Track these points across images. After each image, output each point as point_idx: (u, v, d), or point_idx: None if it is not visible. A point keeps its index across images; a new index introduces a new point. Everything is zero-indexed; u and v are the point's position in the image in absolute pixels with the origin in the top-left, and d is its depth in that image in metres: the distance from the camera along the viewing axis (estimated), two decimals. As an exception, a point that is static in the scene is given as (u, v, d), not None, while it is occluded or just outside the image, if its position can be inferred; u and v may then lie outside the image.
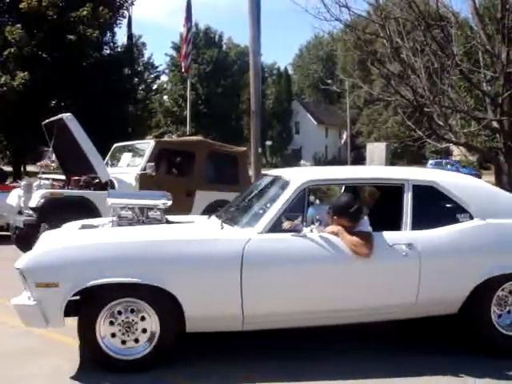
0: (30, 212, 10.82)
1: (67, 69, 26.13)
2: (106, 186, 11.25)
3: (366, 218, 5.81)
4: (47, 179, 12.18)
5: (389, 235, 5.75)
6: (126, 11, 31.77)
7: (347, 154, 64.37)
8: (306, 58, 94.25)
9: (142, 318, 5.40)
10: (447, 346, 6.26)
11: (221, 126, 52.69)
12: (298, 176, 5.98)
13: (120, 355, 5.39)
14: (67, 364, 5.60)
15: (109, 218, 6.73)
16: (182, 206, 11.76)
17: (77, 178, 11.56)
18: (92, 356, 5.48)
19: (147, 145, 12.01)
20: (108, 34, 30.88)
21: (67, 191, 11.26)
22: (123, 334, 5.39)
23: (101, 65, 28.26)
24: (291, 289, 5.57)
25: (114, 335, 5.38)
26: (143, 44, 39.52)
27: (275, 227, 5.57)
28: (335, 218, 5.76)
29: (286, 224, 5.51)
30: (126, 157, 12.47)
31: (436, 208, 6.11)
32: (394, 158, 24.53)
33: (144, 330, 5.41)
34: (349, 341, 6.36)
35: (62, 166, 13.34)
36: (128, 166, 12.03)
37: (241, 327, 5.62)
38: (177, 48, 54.98)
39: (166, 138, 33.05)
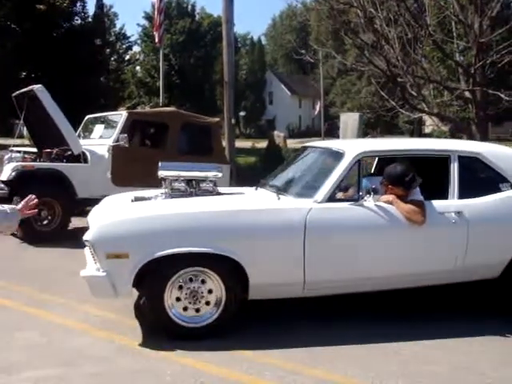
0: (2, 185, 10.70)
1: (37, 40, 25.72)
2: (79, 158, 11.16)
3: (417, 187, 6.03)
4: (18, 152, 12.04)
5: (438, 203, 6.06)
6: (96, -20, 31.29)
7: (321, 124, 64.43)
8: (280, 28, 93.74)
9: (208, 287, 5.62)
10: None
11: (194, 97, 52.32)
12: (352, 148, 6.19)
13: (188, 323, 5.61)
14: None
15: (158, 190, 6.90)
16: (156, 177, 11.74)
17: (48, 150, 11.43)
18: (160, 324, 5.66)
19: (120, 116, 11.87)
20: (78, 4, 30.40)
21: (39, 164, 11.14)
22: (190, 302, 5.59)
23: (72, 35, 27.85)
24: (349, 255, 5.87)
25: (180, 303, 5.58)
26: (115, 14, 39.05)
27: (332, 197, 5.85)
28: (390, 186, 6.02)
29: (341, 194, 5.88)
30: (99, 128, 12.33)
31: (480, 178, 6.50)
32: (367, 128, 24.58)
33: (209, 299, 5.63)
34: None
35: (33, 138, 13.19)
36: (100, 138, 11.90)
37: (301, 293, 5.89)
38: (149, 18, 54.36)
39: (138, 109, 32.80)
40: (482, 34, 12.79)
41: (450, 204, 6.10)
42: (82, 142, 11.65)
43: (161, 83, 25.63)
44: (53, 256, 9.63)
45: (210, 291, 5.63)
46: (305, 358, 5.28)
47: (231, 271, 5.60)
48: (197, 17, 66.16)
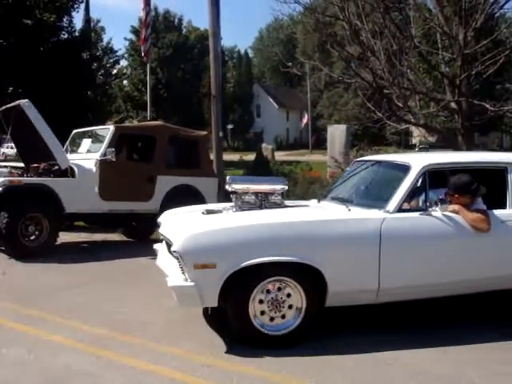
0: (-11, 200, 10.64)
1: (24, 54, 25.64)
2: (66, 172, 11.13)
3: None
4: (5, 167, 12.00)
5: (499, 212, 6.43)
6: (83, -5, 31.22)
7: (308, 136, 64.59)
8: (266, 41, 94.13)
9: (288, 295, 5.83)
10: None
11: (182, 111, 52.35)
12: (417, 161, 6.50)
13: (270, 331, 5.80)
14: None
15: (225, 204, 7.31)
16: (144, 191, 11.73)
17: (36, 165, 11.40)
18: (243, 333, 5.84)
19: (107, 130, 11.87)
20: (65, 19, 30.33)
21: (26, 179, 11.10)
22: (271, 310, 5.79)
23: (58, 50, 27.76)
24: (420, 263, 6.16)
25: (263, 312, 5.78)
26: (102, 28, 38.98)
27: (402, 207, 6.18)
28: (456, 196, 6.34)
29: (407, 204, 6.22)
30: (86, 143, 12.31)
31: None
32: (354, 140, 24.60)
33: (290, 306, 5.84)
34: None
35: (20, 153, 13.15)
36: (88, 152, 11.87)
37: (374, 300, 6.18)
38: (136, 32, 54.37)
39: (126, 123, 32.77)
40: (467, 45, 12.84)
41: (509, 213, 6.48)
42: (70, 156, 11.63)
43: (148, 97, 25.62)
44: (40, 271, 9.59)
45: (291, 300, 5.85)
46: (295, 368, 5.27)
47: (312, 279, 5.84)
48: (184, 30, 66.32)
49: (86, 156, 11.69)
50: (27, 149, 12.27)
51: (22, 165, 12.53)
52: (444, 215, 6.18)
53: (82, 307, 7.37)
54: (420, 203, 6.30)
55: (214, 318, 6.73)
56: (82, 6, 31.82)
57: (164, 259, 6.69)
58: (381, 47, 13.21)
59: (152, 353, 5.66)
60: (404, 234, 6.09)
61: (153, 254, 10.66)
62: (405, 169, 6.46)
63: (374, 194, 6.93)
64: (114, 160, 11.14)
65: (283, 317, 5.84)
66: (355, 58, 14.20)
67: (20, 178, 11.06)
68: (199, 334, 6.29)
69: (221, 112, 17.64)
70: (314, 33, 17.25)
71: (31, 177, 11.26)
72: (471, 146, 13.47)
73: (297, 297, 5.85)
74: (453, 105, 13.48)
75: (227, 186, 6.97)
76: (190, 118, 46.30)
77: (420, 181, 6.31)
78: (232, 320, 5.85)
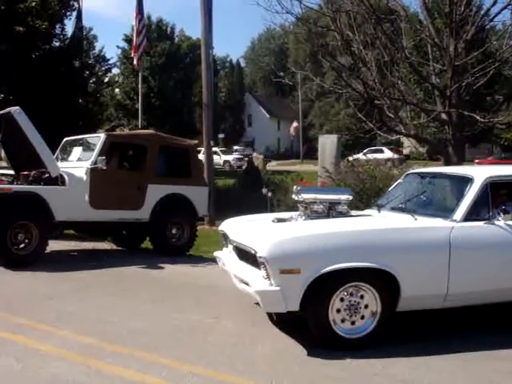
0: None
1: (16, 61, 25.56)
2: (56, 180, 11.09)
3: None
4: (-5, 174, 11.95)
5: None
6: (75, 2, 31.17)
7: (299, 146, 64.63)
8: (258, 50, 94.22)
9: (366, 301, 6.11)
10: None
11: (173, 119, 52.20)
12: (480, 173, 6.84)
13: (348, 334, 6.07)
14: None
15: (292, 212, 7.53)
16: (134, 200, 11.71)
17: (26, 172, 11.36)
18: (323, 338, 6.08)
19: (98, 138, 11.83)
20: (58, 26, 30.26)
21: (16, 186, 11.05)
22: (348, 315, 6.06)
23: (50, 57, 27.68)
24: (486, 269, 6.47)
25: (343, 320, 6.06)
26: (94, 37, 38.91)
27: (468, 217, 6.47)
28: None
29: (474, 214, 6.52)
30: (77, 151, 12.28)
31: None
32: (345, 150, 24.68)
33: (364, 314, 6.12)
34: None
35: (11, 160, 13.09)
36: (79, 161, 11.84)
37: (441, 305, 6.49)
38: (129, 40, 54.31)
39: (117, 132, 32.73)
40: (458, 56, 12.91)
41: None
42: (60, 164, 11.59)
43: (140, 105, 25.60)
44: (30, 280, 9.53)
45: (366, 304, 6.11)
46: (284, 379, 5.26)
47: (387, 285, 6.11)
48: (176, 39, 66.29)
49: (77, 164, 11.66)
50: (18, 156, 12.23)
51: (12, 172, 12.48)
52: (507, 224, 6.47)
53: (71, 316, 7.33)
54: (484, 213, 6.57)
55: (205, 326, 6.73)
56: (75, 13, 31.78)
57: (235, 266, 6.92)
58: (372, 58, 13.28)
59: (141, 362, 5.63)
60: (471, 241, 6.41)
61: (142, 262, 10.75)
62: (468, 180, 6.76)
63: (438, 205, 7.43)
64: (104, 168, 11.12)
65: (359, 320, 6.10)
66: (346, 68, 14.28)
67: (10, 186, 11.01)
68: (188, 343, 6.27)
69: (212, 121, 17.70)
70: (306, 43, 17.32)
71: (21, 184, 11.21)
72: (462, 157, 13.54)
73: (372, 301, 6.12)
74: (443, 116, 13.56)
75: (294, 196, 7.24)
76: (182, 127, 46.20)
77: (483, 192, 6.58)
78: (312, 324, 6.10)
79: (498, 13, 13.65)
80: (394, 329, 6.50)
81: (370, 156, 31.20)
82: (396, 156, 56.95)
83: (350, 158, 18.39)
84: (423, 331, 6.82)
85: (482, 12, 13.97)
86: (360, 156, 26.48)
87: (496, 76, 17.51)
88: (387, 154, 56.94)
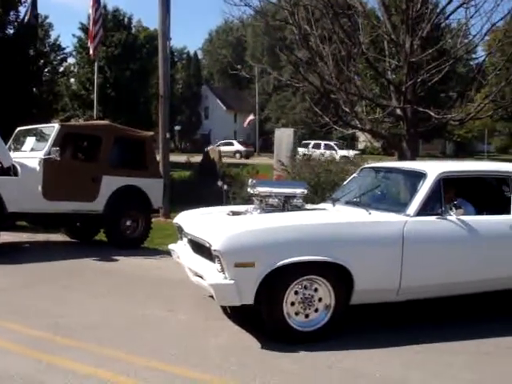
0: None
1: (-33, 48, 25.01)
2: (9, 171, 10.90)
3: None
4: None
5: (505, 218, 6.98)
6: (31, -11, 30.60)
7: (256, 139, 64.71)
8: (216, 43, 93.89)
9: (319, 295, 6.15)
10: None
11: (129, 110, 51.71)
12: (433, 168, 6.95)
13: (302, 327, 6.10)
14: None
15: (246, 206, 7.52)
16: (88, 191, 11.57)
17: (-23, 162, 11.13)
18: (277, 331, 6.09)
19: (52, 129, 11.64)
20: (12, 13, 29.67)
21: (-33, 176, 10.83)
22: (302, 308, 6.08)
23: (4, 45, 27.15)
24: (438, 263, 6.58)
25: (297, 313, 6.09)
26: (49, 24, 38.27)
27: (421, 211, 6.54)
28: None
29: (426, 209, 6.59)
30: (30, 141, 12.05)
31: None
32: (301, 144, 24.79)
33: (319, 306, 6.15)
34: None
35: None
36: (32, 151, 11.63)
37: (394, 298, 6.58)
38: (85, 30, 53.58)
39: (72, 122, 32.26)
40: (413, 53, 13.03)
41: None
42: (13, 154, 11.38)
43: (95, 96, 25.27)
44: (-20, 272, 9.37)
45: (320, 298, 6.16)
46: (237, 372, 5.27)
47: (340, 278, 6.17)
48: (133, 30, 65.62)
49: (30, 154, 11.46)
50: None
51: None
52: (458, 219, 6.61)
53: (23, 309, 7.22)
54: (437, 208, 6.66)
55: (160, 319, 6.70)
56: (30, 0, 31.19)
57: (190, 259, 6.91)
58: (329, 52, 13.32)
59: (94, 356, 5.58)
60: (423, 236, 6.51)
61: (96, 255, 10.65)
62: (421, 176, 6.86)
63: (391, 199, 7.58)
64: (58, 159, 10.96)
65: (313, 314, 6.14)
66: (304, 62, 14.27)
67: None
68: (142, 337, 6.23)
69: (168, 113, 17.59)
70: (264, 36, 17.30)
71: (-28, 175, 10.99)
72: (416, 152, 13.70)
73: (326, 295, 6.17)
74: (398, 111, 13.68)
75: (250, 189, 7.27)
76: (138, 118, 45.72)
77: (436, 187, 6.69)
78: (266, 317, 6.12)
79: (453, 11, 13.82)
80: (348, 322, 6.55)
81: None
82: (243, 148, 57.74)
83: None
84: (377, 324, 6.89)
85: (438, 10, 14.12)
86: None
87: (450, 73, 17.73)
88: (236, 146, 57.87)
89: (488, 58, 17.19)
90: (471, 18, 13.06)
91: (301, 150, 42.62)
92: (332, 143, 45.18)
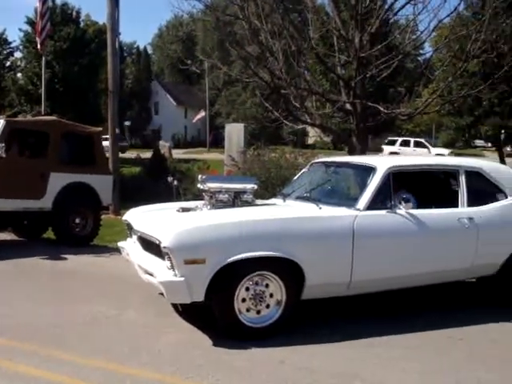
0: None
1: None
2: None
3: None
4: None
5: (453, 211, 7.15)
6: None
7: (206, 134, 64.54)
8: (166, 37, 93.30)
9: (271, 290, 6.15)
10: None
11: (78, 106, 51.09)
12: (382, 163, 7.02)
13: (254, 323, 6.09)
14: None
15: (197, 202, 7.48)
16: (35, 188, 11.35)
17: None
18: (229, 328, 6.06)
19: (-3, 124, 11.38)
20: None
21: None
22: (253, 304, 6.06)
23: None
24: (388, 256, 6.66)
25: (248, 310, 6.07)
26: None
27: (370, 206, 6.59)
28: None
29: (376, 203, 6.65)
30: (-26, 137, 11.76)
31: (481, 189, 7.47)
32: (252, 139, 24.74)
33: (270, 301, 6.15)
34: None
35: None
36: (-24, 147, 11.35)
37: (345, 292, 6.63)
38: (32, 23, 52.69)
39: (18, 118, 31.66)
40: (362, 48, 13.12)
41: (462, 211, 7.16)
42: (-43, 151, 11.09)
43: (43, 91, 24.86)
44: None
45: (271, 293, 6.15)
46: (189, 370, 5.22)
47: (292, 274, 6.17)
48: (82, 24, 64.76)
49: (-25, 151, 11.17)
50: None
51: None
52: (408, 213, 6.70)
53: (-33, 309, 7.05)
54: (386, 202, 6.73)
55: (111, 320, 6.62)
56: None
57: (139, 256, 6.79)
58: (279, 48, 13.33)
59: (42, 357, 5.47)
60: (373, 230, 6.56)
61: (45, 253, 10.45)
62: (371, 170, 6.92)
63: (341, 194, 7.62)
64: (3, 156, 10.74)
65: (264, 309, 6.13)
66: (254, 57, 14.24)
67: None
68: (91, 336, 6.14)
69: (118, 108, 17.36)
70: (214, 31, 17.20)
71: None
72: (365, 147, 13.81)
73: (277, 290, 6.16)
74: (348, 106, 13.77)
75: (199, 185, 7.17)
76: (87, 114, 45.25)
77: (385, 181, 6.76)
78: (218, 314, 6.09)
79: (402, 7, 13.95)
80: (299, 317, 6.56)
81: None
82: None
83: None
84: (326, 319, 6.91)
85: (387, 6, 14.24)
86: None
87: (399, 68, 17.88)
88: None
89: (435, 54, 17.46)
90: (419, 14, 13.20)
91: (386, 148, 42.46)
92: (423, 140, 43.11)
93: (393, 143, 44.22)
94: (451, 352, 5.96)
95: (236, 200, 7.12)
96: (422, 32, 13.90)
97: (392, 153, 37.06)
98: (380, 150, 39.49)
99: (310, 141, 54.00)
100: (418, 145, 42.64)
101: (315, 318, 6.93)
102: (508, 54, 13.51)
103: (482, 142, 39.65)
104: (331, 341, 6.08)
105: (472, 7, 27.61)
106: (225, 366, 5.36)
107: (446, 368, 5.53)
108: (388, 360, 5.66)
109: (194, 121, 68.01)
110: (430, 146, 41.99)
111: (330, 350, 5.87)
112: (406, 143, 43.13)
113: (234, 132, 16.32)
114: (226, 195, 7.09)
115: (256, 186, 7.39)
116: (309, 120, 14.21)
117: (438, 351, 5.97)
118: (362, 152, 13.46)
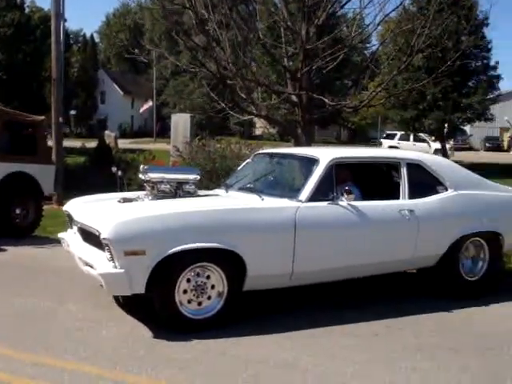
0: None
1: None
2: None
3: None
4: None
5: (394, 203, 7.21)
6: None
7: (153, 124, 64.07)
8: (113, 26, 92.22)
9: (212, 282, 6.14)
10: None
11: (22, 94, 50.19)
12: (325, 154, 7.04)
13: (195, 315, 6.05)
14: None
15: (138, 192, 7.41)
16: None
17: None
18: (170, 320, 6.01)
19: None
20: None
21: None
22: (195, 295, 6.04)
23: None
24: (330, 248, 6.70)
25: (190, 301, 6.03)
26: None
27: (313, 197, 6.61)
28: None
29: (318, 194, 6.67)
30: None
31: (422, 181, 7.54)
32: (198, 129, 24.67)
33: (211, 293, 6.14)
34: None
35: None
36: None
37: (288, 283, 6.66)
38: (-27, 9, 51.52)
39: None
40: (309, 41, 13.13)
41: (404, 203, 7.21)
42: None
43: (-16, 78, 24.33)
44: None
45: (213, 285, 6.13)
46: (128, 364, 5.14)
47: (233, 265, 6.15)
48: (26, 10, 63.52)
49: None
50: None
51: None
52: (350, 205, 6.73)
53: None
54: (329, 193, 6.73)
55: (48, 314, 6.50)
56: None
57: (79, 248, 6.69)
58: (226, 38, 13.23)
59: (-24, 351, 5.33)
60: (315, 221, 6.56)
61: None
62: (314, 162, 6.94)
63: (284, 185, 7.61)
64: None
65: (205, 301, 6.11)
66: (201, 47, 14.13)
67: None
68: (29, 330, 6.01)
69: (62, 97, 17.08)
70: (162, 20, 17.00)
71: None
72: (311, 138, 13.85)
73: (219, 282, 6.14)
74: (293, 98, 13.78)
75: (141, 175, 7.08)
76: (31, 102, 44.46)
77: (328, 173, 6.77)
78: (159, 306, 6.03)
79: (348, 0, 14.06)
80: (242, 308, 6.55)
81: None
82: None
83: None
84: (270, 309, 6.92)
85: (333, -1, 14.28)
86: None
87: (345, 61, 18.03)
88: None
89: (381, 48, 17.62)
90: (365, 7, 13.26)
91: (385, 142, 42.33)
92: (423, 135, 42.10)
93: (392, 137, 44.43)
94: (390, 341, 6.02)
95: (178, 191, 7.05)
96: (368, 25, 14.01)
97: (391, 147, 37.37)
98: (327, 142, 39.74)
99: (258, 132, 54.12)
100: (418, 140, 42.70)
101: (258, 312, 6.91)
102: (452, 50, 13.73)
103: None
104: (273, 332, 6.07)
105: (418, 2, 28.07)
106: (165, 359, 5.31)
107: (385, 357, 5.58)
108: (330, 350, 5.68)
109: (141, 111, 67.50)
110: (429, 141, 42.18)
111: (273, 341, 5.86)
112: (405, 137, 43.23)
113: (181, 122, 16.20)
114: (168, 186, 7.02)
115: (199, 177, 7.34)
116: (255, 111, 14.17)
117: (378, 341, 6.03)
118: (308, 144, 13.49)
